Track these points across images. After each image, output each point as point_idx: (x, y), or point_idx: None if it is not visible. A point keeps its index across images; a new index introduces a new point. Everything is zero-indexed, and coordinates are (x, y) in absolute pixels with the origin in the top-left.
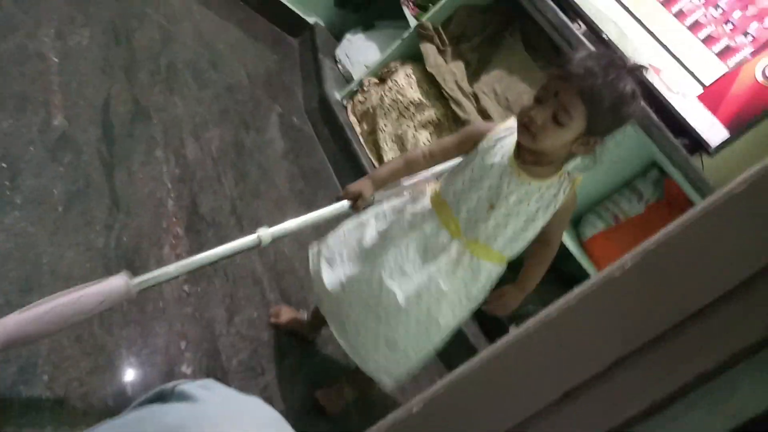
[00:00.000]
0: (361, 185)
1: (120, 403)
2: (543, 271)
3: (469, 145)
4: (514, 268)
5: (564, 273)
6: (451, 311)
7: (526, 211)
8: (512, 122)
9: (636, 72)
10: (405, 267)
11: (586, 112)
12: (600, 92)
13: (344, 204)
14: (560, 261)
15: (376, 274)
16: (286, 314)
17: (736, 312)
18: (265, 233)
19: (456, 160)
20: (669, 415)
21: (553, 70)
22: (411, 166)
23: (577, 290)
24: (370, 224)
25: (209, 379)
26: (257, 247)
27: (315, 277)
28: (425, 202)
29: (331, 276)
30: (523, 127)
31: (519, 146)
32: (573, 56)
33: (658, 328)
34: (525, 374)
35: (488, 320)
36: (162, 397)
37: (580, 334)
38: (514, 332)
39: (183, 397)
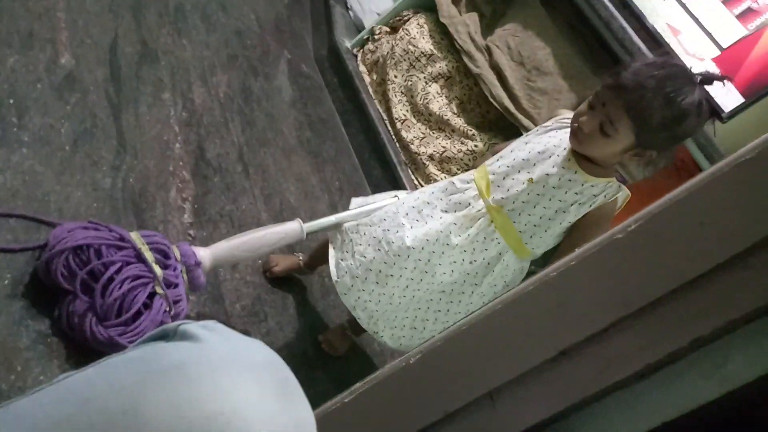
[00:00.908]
0: None
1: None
2: None
3: None
4: None
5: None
6: (451, 269)
7: (561, 198)
8: None
9: (706, 83)
10: (424, 210)
11: (632, 126)
12: (648, 107)
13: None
14: None
15: (394, 209)
16: (281, 263)
17: (734, 280)
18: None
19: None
20: (662, 377)
21: (606, 77)
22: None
23: (580, 251)
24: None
25: (212, 321)
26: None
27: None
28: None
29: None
30: (572, 131)
31: None
32: (630, 65)
33: (656, 292)
34: (523, 331)
35: None
36: (165, 336)
37: (580, 294)
38: (514, 290)
39: (185, 336)
